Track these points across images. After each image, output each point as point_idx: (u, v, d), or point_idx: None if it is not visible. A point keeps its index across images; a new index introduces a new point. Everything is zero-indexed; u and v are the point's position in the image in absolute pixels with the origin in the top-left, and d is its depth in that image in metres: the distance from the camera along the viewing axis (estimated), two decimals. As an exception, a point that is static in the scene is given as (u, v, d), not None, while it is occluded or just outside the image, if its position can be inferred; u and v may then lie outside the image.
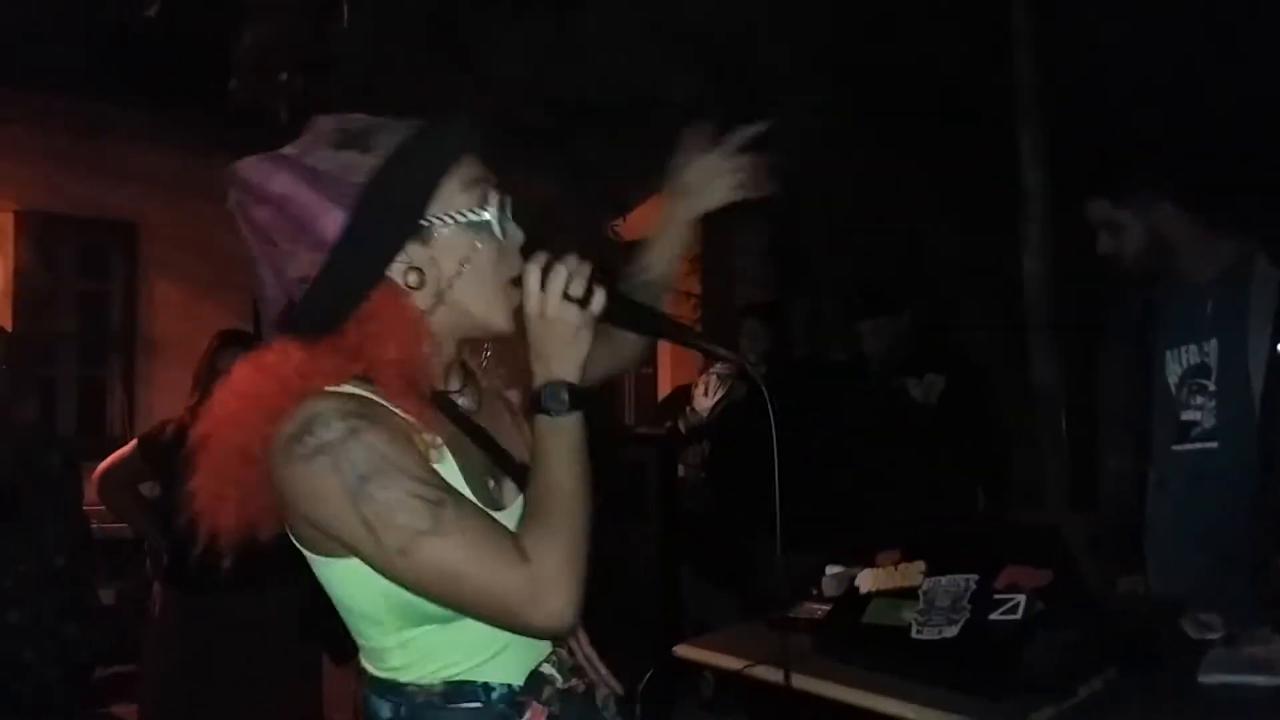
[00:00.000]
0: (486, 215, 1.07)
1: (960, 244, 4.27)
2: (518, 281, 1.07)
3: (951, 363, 3.39)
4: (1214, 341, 2.03)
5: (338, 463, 0.96)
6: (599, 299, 1.05)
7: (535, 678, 1.09)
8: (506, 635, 1.04)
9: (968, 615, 1.56)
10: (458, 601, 0.99)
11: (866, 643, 1.70)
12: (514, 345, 1.11)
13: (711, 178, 1.39)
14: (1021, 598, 1.52)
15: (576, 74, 4.12)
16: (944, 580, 1.65)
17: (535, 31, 4.10)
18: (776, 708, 1.70)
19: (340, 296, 1.04)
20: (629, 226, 5.49)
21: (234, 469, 1.02)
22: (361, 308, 1.04)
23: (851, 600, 1.79)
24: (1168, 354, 2.12)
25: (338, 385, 1.02)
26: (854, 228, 4.47)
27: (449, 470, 1.05)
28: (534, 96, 4.26)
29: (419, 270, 1.06)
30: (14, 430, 2.74)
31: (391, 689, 1.08)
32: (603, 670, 1.19)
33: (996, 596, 1.55)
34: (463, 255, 1.07)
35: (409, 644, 1.06)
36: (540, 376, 1.05)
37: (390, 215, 1.04)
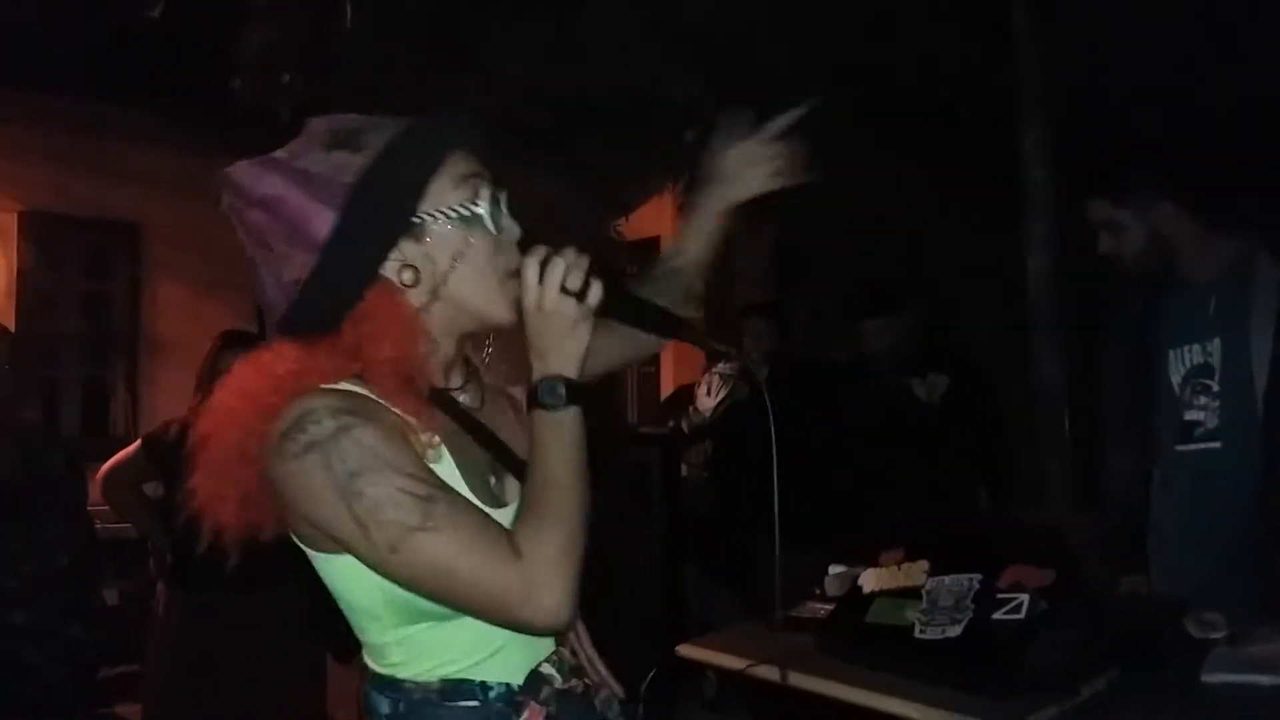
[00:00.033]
0: (479, 210, 1.07)
1: (963, 243, 4.27)
2: (516, 275, 1.07)
3: (955, 362, 3.39)
4: (1217, 341, 2.03)
5: (328, 459, 0.96)
6: (595, 292, 1.04)
7: (534, 677, 1.09)
8: (505, 634, 1.04)
9: (971, 615, 1.56)
10: (450, 598, 0.99)
11: (870, 642, 1.70)
12: (516, 340, 1.11)
13: (748, 165, 1.36)
14: (1025, 597, 1.52)
15: (578, 74, 4.12)
16: (947, 580, 1.64)
17: (537, 32, 4.10)
18: (779, 707, 1.70)
19: (334, 297, 1.04)
20: (631, 226, 5.50)
21: (233, 468, 1.03)
22: (357, 307, 1.04)
23: (855, 600, 1.79)
24: (1171, 354, 2.12)
25: (334, 384, 1.02)
26: (856, 227, 4.47)
27: (446, 468, 1.05)
28: (536, 96, 4.26)
29: (413, 268, 1.06)
30: (18, 431, 2.74)
31: (390, 685, 1.08)
32: (604, 671, 1.18)
33: (1000, 596, 1.55)
34: (456, 251, 1.07)
35: (407, 641, 1.06)
36: (538, 370, 1.05)
37: (380, 214, 1.04)
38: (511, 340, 1.15)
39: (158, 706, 3.00)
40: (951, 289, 4.39)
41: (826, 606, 1.95)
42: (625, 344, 1.33)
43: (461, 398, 1.14)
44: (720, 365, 4.01)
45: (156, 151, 5.48)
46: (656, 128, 4.48)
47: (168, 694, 2.93)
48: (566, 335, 1.04)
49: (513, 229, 1.11)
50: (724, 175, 1.37)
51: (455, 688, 1.06)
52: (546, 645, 1.12)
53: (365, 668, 1.13)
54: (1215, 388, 2.03)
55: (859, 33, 3.80)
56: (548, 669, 1.10)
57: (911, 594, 1.68)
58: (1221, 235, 2.07)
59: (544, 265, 1.04)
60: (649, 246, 5.74)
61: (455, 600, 0.99)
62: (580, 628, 1.19)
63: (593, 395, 1.09)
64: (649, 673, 1.69)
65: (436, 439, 1.05)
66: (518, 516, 1.04)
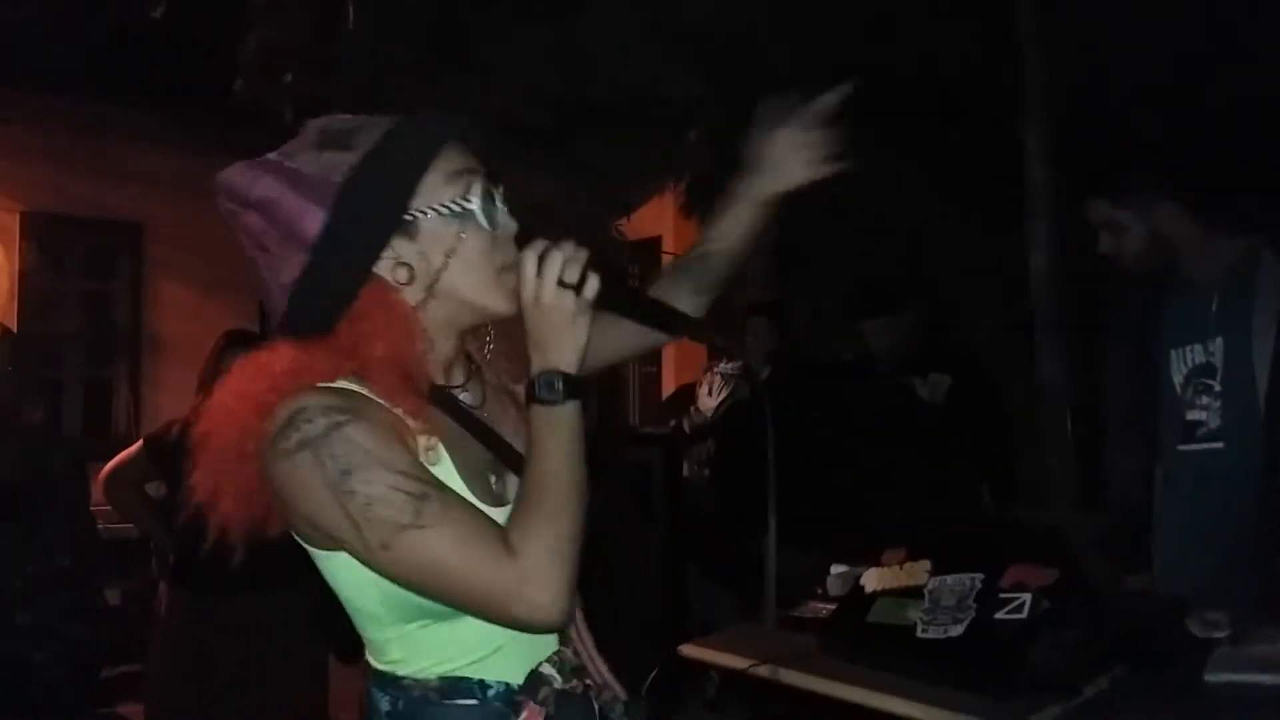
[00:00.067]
0: (471, 205, 1.07)
1: (965, 243, 4.27)
2: (513, 269, 1.06)
3: (957, 362, 3.39)
4: (1219, 341, 2.03)
5: (320, 457, 0.96)
6: (592, 285, 1.03)
7: (534, 677, 1.09)
8: (506, 633, 1.04)
9: (973, 614, 1.56)
10: (443, 595, 0.99)
11: (872, 642, 1.70)
12: (518, 337, 1.10)
13: (791, 153, 1.32)
14: (1027, 596, 1.52)
15: (579, 74, 4.12)
16: (949, 579, 1.64)
17: (539, 32, 4.10)
18: (781, 707, 1.70)
19: (327, 296, 1.04)
20: (632, 226, 5.49)
21: (232, 467, 1.03)
22: (353, 306, 1.04)
23: (857, 599, 1.79)
24: (1173, 353, 2.12)
25: (331, 383, 1.02)
26: (858, 226, 4.46)
27: (443, 466, 1.05)
28: (538, 96, 4.26)
29: (407, 265, 1.06)
30: (20, 431, 2.75)
31: (390, 683, 1.08)
32: (606, 672, 1.18)
33: (1002, 595, 1.55)
34: (450, 247, 1.06)
35: (406, 638, 1.06)
36: (537, 365, 1.04)
37: (370, 212, 1.04)
38: (514, 337, 1.14)
39: (160, 707, 3.00)
40: (953, 288, 4.39)
41: (828, 606, 1.95)
42: (627, 338, 1.30)
43: (462, 396, 1.13)
44: (722, 365, 4.01)
45: (157, 151, 5.48)
46: (657, 127, 4.48)
47: (170, 694, 2.93)
48: (565, 329, 1.03)
49: (509, 223, 1.11)
50: (766, 163, 1.33)
51: (454, 686, 1.06)
52: (548, 645, 1.11)
53: (367, 666, 1.13)
54: (1217, 388, 2.02)
55: (860, 32, 3.79)
56: (548, 669, 1.10)
57: (914, 593, 1.68)
58: (1222, 235, 2.06)
59: (542, 258, 1.03)
60: (650, 246, 5.75)
61: (448, 597, 0.99)
62: (583, 628, 1.18)
63: (592, 389, 1.08)
64: (651, 672, 1.69)
65: (434, 438, 1.05)
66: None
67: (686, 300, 1.34)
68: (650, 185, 5.35)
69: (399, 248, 1.06)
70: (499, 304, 1.09)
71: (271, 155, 1.08)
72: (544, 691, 1.08)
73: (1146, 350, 2.20)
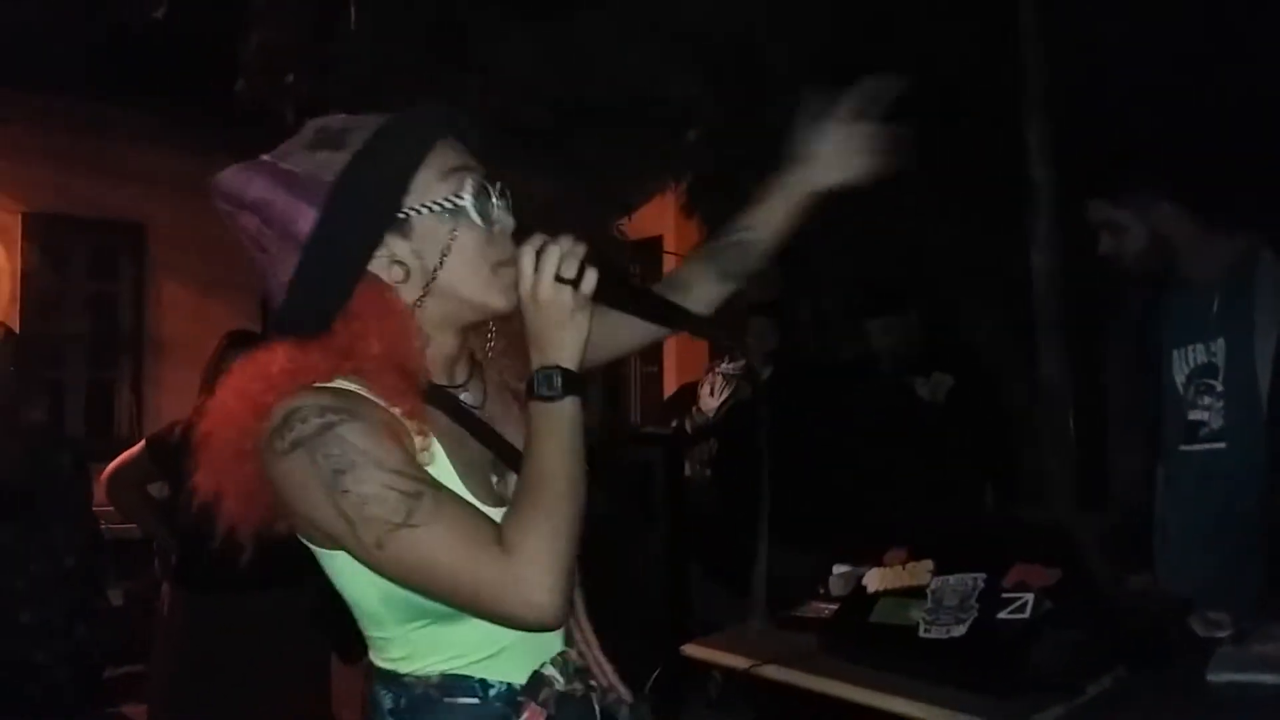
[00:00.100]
0: (462, 202, 1.06)
1: (966, 242, 4.26)
2: (510, 264, 1.06)
3: (959, 361, 3.39)
4: (1221, 341, 2.03)
5: (313, 457, 0.96)
6: (590, 279, 1.02)
7: (536, 678, 1.09)
8: (510, 633, 1.04)
9: (976, 614, 1.56)
10: (437, 593, 0.99)
11: (874, 642, 1.70)
12: (519, 333, 1.09)
13: (843, 148, 1.29)
14: (1030, 596, 1.52)
15: (579, 74, 4.12)
16: (952, 579, 1.65)
17: (539, 32, 4.10)
18: (784, 707, 1.70)
19: (321, 295, 1.04)
20: (633, 226, 5.49)
21: (233, 467, 1.03)
22: (348, 305, 1.04)
23: (859, 599, 1.79)
24: (1175, 353, 2.12)
25: (329, 382, 1.02)
26: (859, 225, 4.46)
27: (440, 465, 1.05)
28: (538, 96, 4.26)
29: (402, 264, 1.06)
30: (23, 432, 2.76)
31: (393, 680, 1.08)
32: (612, 674, 1.18)
33: (1004, 595, 1.55)
34: (444, 244, 1.06)
35: (408, 637, 1.06)
36: (536, 361, 1.04)
37: (361, 210, 1.04)
38: (516, 334, 1.13)
39: (163, 707, 3.00)
40: (954, 288, 4.39)
41: (831, 606, 1.96)
42: (628, 332, 1.28)
43: (463, 395, 1.13)
44: (724, 365, 4.01)
45: (158, 151, 5.48)
46: (657, 127, 4.48)
47: (173, 694, 2.93)
48: (563, 324, 1.03)
49: (505, 219, 1.10)
50: (812, 156, 1.30)
51: (455, 684, 1.06)
52: (552, 646, 1.11)
53: (371, 665, 1.13)
54: (1219, 388, 2.02)
55: (860, 31, 3.79)
56: (550, 670, 1.10)
57: (916, 593, 1.68)
58: (1222, 235, 2.06)
59: (539, 253, 1.03)
60: (651, 246, 5.75)
61: (443, 596, 0.99)
62: (588, 629, 1.18)
63: (589, 384, 1.07)
64: (653, 672, 1.69)
65: (430, 437, 1.05)
66: None
67: (710, 286, 1.34)
68: (651, 185, 5.34)
69: (393, 246, 1.06)
70: (497, 301, 1.08)
71: (266, 156, 1.08)
72: (545, 693, 1.08)
73: (1147, 350, 2.20)
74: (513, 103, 4.14)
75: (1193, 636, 1.61)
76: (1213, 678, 1.47)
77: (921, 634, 1.61)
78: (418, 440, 1.03)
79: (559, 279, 1.02)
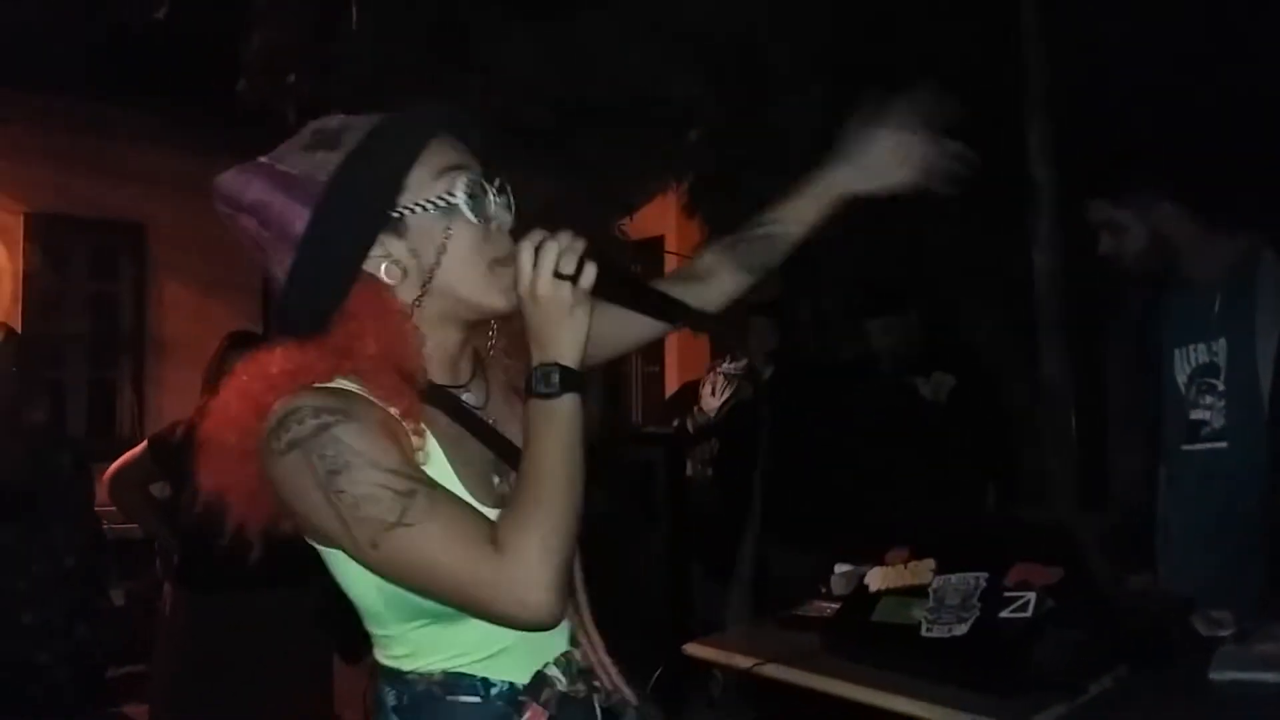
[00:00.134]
0: (456, 200, 1.06)
1: (968, 241, 4.26)
2: (508, 262, 1.05)
3: (960, 361, 3.39)
4: (1222, 340, 2.03)
5: (309, 457, 0.96)
6: (589, 275, 1.02)
7: (538, 679, 1.09)
8: (511, 634, 1.04)
9: (978, 613, 1.56)
10: (433, 592, 0.98)
11: (876, 641, 1.70)
12: (520, 331, 1.08)
13: (894, 156, 1.27)
14: (1031, 595, 1.52)
15: (580, 73, 4.12)
16: (954, 578, 1.65)
17: (540, 32, 4.10)
18: (785, 706, 1.70)
19: (316, 295, 1.04)
20: (634, 226, 5.49)
21: (234, 467, 1.03)
22: (345, 305, 1.04)
23: (861, 598, 1.79)
24: (1176, 353, 2.12)
25: (328, 382, 1.03)
26: (860, 225, 4.46)
27: (438, 465, 1.05)
28: (539, 96, 4.26)
29: (399, 263, 1.06)
30: (25, 432, 2.76)
31: (396, 677, 1.08)
32: (616, 675, 1.18)
33: (1006, 594, 1.55)
34: (439, 242, 1.06)
35: (409, 636, 1.06)
36: (536, 358, 1.03)
37: (355, 210, 1.03)
38: (517, 332, 1.12)
39: (164, 707, 3.01)
40: (955, 288, 4.39)
41: (833, 605, 1.96)
42: (629, 328, 1.27)
43: (465, 395, 1.13)
44: (725, 364, 4.01)
45: (158, 151, 5.49)
46: (657, 127, 4.47)
47: (174, 694, 2.93)
48: (562, 321, 1.02)
49: (503, 217, 1.10)
50: (859, 161, 1.28)
51: (457, 681, 1.06)
52: (555, 647, 1.11)
53: (374, 661, 1.13)
54: (1221, 387, 2.02)
55: (861, 31, 3.79)
56: (553, 671, 1.10)
57: (918, 592, 1.68)
58: (1223, 235, 2.06)
59: (538, 250, 1.02)
60: (653, 246, 5.75)
61: (438, 594, 0.99)
62: (592, 630, 1.18)
63: (589, 381, 1.06)
64: (655, 672, 1.69)
65: (425, 436, 1.04)
66: None
67: (729, 277, 1.33)
68: (652, 185, 5.34)
69: (389, 245, 1.05)
70: (495, 298, 1.08)
71: (264, 158, 1.09)
72: (547, 693, 1.08)
73: (1149, 350, 2.20)
74: (514, 103, 4.13)
75: (1195, 636, 1.62)
76: (1215, 677, 1.47)
77: (923, 633, 1.61)
78: (414, 440, 1.03)
79: (558, 275, 1.01)
